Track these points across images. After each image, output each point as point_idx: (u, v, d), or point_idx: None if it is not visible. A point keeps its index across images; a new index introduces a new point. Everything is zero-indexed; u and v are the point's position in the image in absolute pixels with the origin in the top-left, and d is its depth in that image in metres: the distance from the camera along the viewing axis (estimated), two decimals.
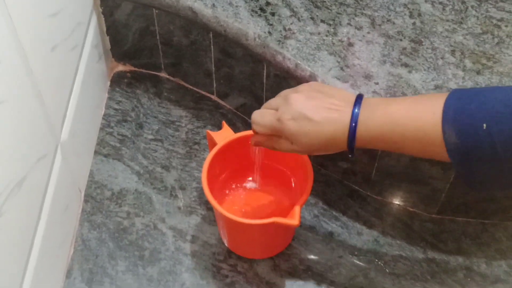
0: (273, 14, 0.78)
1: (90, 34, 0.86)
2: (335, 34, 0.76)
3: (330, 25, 0.77)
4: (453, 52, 0.73)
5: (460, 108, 0.50)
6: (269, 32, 0.76)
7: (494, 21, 0.77)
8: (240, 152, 0.75)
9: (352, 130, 0.55)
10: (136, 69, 0.99)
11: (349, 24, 0.77)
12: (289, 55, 0.73)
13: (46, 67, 0.68)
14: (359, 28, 0.77)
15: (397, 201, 0.80)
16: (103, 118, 0.91)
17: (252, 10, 0.79)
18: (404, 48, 0.74)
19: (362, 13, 0.78)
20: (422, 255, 0.75)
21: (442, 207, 0.77)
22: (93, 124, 0.88)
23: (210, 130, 0.83)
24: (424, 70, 0.72)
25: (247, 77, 0.84)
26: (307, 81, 0.70)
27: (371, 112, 0.55)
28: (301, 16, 0.78)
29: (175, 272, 0.74)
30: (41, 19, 0.67)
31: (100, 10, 0.90)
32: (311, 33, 0.76)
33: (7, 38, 0.57)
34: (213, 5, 0.79)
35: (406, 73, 0.71)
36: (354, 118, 0.55)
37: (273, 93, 0.75)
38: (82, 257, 0.75)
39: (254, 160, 0.74)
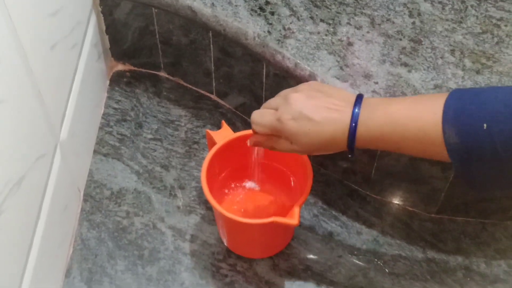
0: (272, 13, 0.78)
1: (90, 33, 0.86)
2: (334, 33, 0.76)
3: (329, 24, 0.77)
4: (452, 52, 0.73)
5: (460, 108, 0.50)
6: (269, 32, 0.76)
7: (494, 21, 0.77)
8: (239, 152, 0.75)
9: (352, 130, 0.55)
10: (135, 68, 0.99)
11: (348, 23, 0.77)
12: (289, 54, 0.73)
13: (46, 66, 0.68)
14: (359, 27, 0.77)
15: (396, 201, 0.80)
16: (102, 118, 0.91)
17: (252, 9, 0.79)
18: (404, 48, 0.74)
19: (361, 13, 0.78)
20: (422, 255, 0.75)
21: (441, 207, 0.77)
22: (92, 123, 0.88)
23: (210, 129, 0.83)
24: (424, 69, 0.72)
25: (246, 77, 0.84)
26: (306, 81, 0.70)
27: (371, 112, 0.55)
28: (301, 16, 0.78)
29: (174, 272, 0.74)
30: (41, 18, 0.67)
31: (100, 9, 0.90)
32: (310, 33, 0.76)
33: (7, 37, 0.57)
34: (213, 4, 0.79)
35: (405, 73, 0.71)
36: (354, 118, 0.55)
37: (272, 92, 0.75)
38: (81, 257, 0.75)
39: (253, 160, 0.74)
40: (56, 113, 0.72)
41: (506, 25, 0.76)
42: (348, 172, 0.81)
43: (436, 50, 0.73)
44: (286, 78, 0.76)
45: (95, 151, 0.87)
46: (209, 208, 0.80)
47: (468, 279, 0.72)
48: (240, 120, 0.91)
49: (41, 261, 0.64)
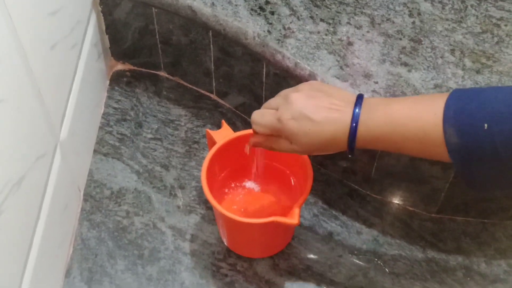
0: (272, 13, 0.78)
1: (90, 32, 0.86)
2: (334, 33, 0.76)
3: (329, 24, 0.77)
4: (452, 51, 0.73)
5: (460, 108, 0.50)
6: (269, 31, 0.76)
7: (494, 20, 0.77)
8: (239, 151, 0.75)
9: (353, 130, 0.55)
10: (135, 68, 0.98)
11: (348, 23, 0.77)
12: (289, 54, 0.73)
13: (46, 66, 0.68)
14: (359, 27, 0.76)
15: (396, 200, 0.79)
16: (102, 117, 0.91)
17: (252, 9, 0.79)
18: (404, 47, 0.74)
19: (361, 12, 0.78)
20: (422, 255, 0.75)
21: (441, 207, 0.77)
22: (92, 123, 0.88)
23: (210, 129, 0.83)
24: (424, 69, 0.71)
25: (246, 76, 0.84)
26: (306, 80, 0.70)
27: (372, 112, 0.54)
28: (301, 15, 0.78)
29: (174, 271, 0.74)
30: (41, 18, 0.67)
31: (100, 8, 0.90)
32: (310, 32, 0.76)
33: (7, 36, 0.57)
34: (213, 3, 0.79)
35: (405, 72, 0.71)
36: (355, 118, 0.55)
37: (272, 92, 0.75)
38: (82, 256, 0.75)
39: (253, 160, 0.74)
40: (56, 112, 0.72)
41: (506, 25, 0.76)
42: (348, 171, 0.81)
43: (436, 49, 0.73)
44: (286, 78, 0.76)
45: (95, 151, 0.87)
46: (209, 207, 0.80)
47: (468, 278, 0.72)
48: (240, 119, 0.91)
49: (41, 261, 0.64)
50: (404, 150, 0.55)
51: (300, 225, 0.72)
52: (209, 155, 0.72)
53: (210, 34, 0.83)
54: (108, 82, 0.96)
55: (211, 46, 0.85)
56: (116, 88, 0.95)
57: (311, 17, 0.78)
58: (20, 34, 0.59)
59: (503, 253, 0.75)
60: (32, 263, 0.62)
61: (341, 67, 0.72)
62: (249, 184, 0.79)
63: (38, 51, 0.65)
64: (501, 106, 0.48)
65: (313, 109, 0.56)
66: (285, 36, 0.75)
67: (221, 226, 0.74)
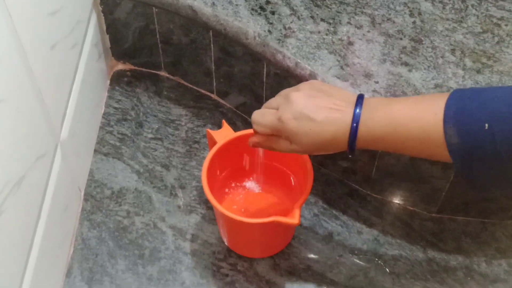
0: (273, 12, 0.78)
1: (90, 32, 0.86)
2: (335, 33, 0.76)
3: (330, 24, 0.77)
4: (453, 51, 0.73)
5: (461, 108, 0.50)
6: (269, 31, 0.76)
7: (494, 20, 0.76)
8: (240, 151, 0.75)
9: (353, 130, 0.55)
10: (136, 67, 0.98)
11: (349, 23, 0.77)
12: (289, 53, 0.73)
13: (46, 66, 0.68)
14: (359, 27, 0.76)
15: (397, 200, 0.79)
16: (103, 117, 0.91)
17: (252, 9, 0.79)
18: (404, 47, 0.74)
19: (362, 12, 0.78)
20: (422, 254, 0.75)
21: (442, 206, 0.77)
22: (93, 123, 0.88)
23: (210, 129, 0.83)
24: (424, 69, 0.71)
25: (247, 76, 0.84)
26: (307, 80, 0.70)
27: (372, 112, 0.54)
28: (301, 15, 0.78)
29: (175, 271, 0.74)
30: (41, 18, 0.67)
31: (100, 8, 0.90)
32: (311, 32, 0.76)
33: (7, 37, 0.56)
34: (213, 3, 0.79)
35: (406, 72, 0.71)
36: (355, 118, 0.55)
37: (273, 92, 0.75)
38: (82, 256, 0.75)
39: (254, 160, 0.74)
40: (57, 112, 0.72)
41: (506, 25, 0.76)
42: (349, 171, 0.80)
43: (437, 49, 0.73)
44: (287, 78, 0.76)
45: (95, 151, 0.87)
46: (209, 207, 0.80)
47: (469, 278, 0.72)
48: (241, 119, 0.91)
49: (42, 261, 0.64)
50: (404, 150, 0.55)
51: (300, 225, 0.72)
52: (209, 155, 0.72)
53: (211, 34, 0.83)
54: (108, 82, 0.96)
55: (212, 46, 0.85)
56: (117, 88, 0.95)
57: (312, 17, 0.78)
58: (20, 34, 0.59)
59: (503, 253, 0.75)
60: (32, 263, 0.62)
61: (341, 67, 0.72)
62: (250, 184, 0.79)
63: (38, 51, 0.65)
64: (501, 106, 0.47)
65: (313, 109, 0.56)
66: (285, 36, 0.75)
67: (222, 226, 0.74)
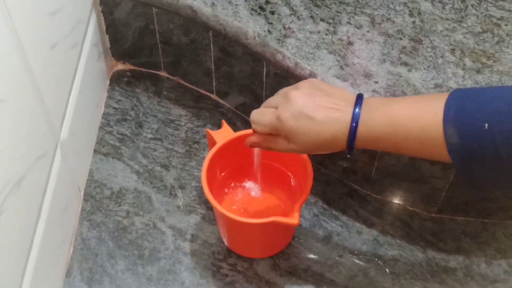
0: (272, 12, 0.78)
1: (90, 32, 0.86)
2: (334, 33, 0.76)
3: (329, 23, 0.77)
4: (453, 51, 0.73)
5: (461, 108, 0.49)
6: (269, 31, 0.76)
7: (494, 20, 0.76)
8: (239, 151, 0.75)
9: (353, 130, 0.54)
10: (135, 68, 0.98)
11: (348, 22, 0.77)
12: (289, 53, 0.73)
13: (46, 66, 0.68)
14: (359, 27, 0.76)
15: (397, 200, 0.79)
16: (102, 117, 0.91)
17: (252, 9, 0.79)
18: (404, 47, 0.74)
19: (362, 12, 0.78)
20: (422, 254, 0.75)
21: (442, 206, 0.77)
22: (92, 123, 0.88)
23: (210, 129, 0.83)
24: (424, 69, 0.71)
25: (246, 76, 0.84)
26: None
27: (372, 112, 0.54)
28: (301, 15, 0.78)
29: (174, 271, 0.74)
30: (41, 18, 0.67)
31: (100, 8, 0.90)
32: (310, 32, 0.76)
33: (7, 37, 0.56)
34: (213, 3, 0.79)
35: (406, 72, 0.71)
36: (355, 118, 0.54)
37: (272, 92, 0.75)
38: (82, 256, 0.75)
39: (253, 160, 0.74)
40: (56, 112, 0.72)
41: (506, 25, 0.76)
42: (348, 171, 0.80)
43: (437, 49, 0.73)
44: (287, 78, 0.76)
45: (95, 151, 0.87)
46: (209, 207, 0.80)
47: (469, 278, 0.72)
48: (241, 119, 0.91)
49: (42, 261, 0.64)
50: (404, 150, 0.55)
51: (300, 225, 0.72)
52: (209, 155, 0.72)
53: (211, 34, 0.83)
54: (108, 82, 0.96)
55: (211, 46, 0.85)
56: (117, 88, 0.95)
57: (311, 17, 0.78)
58: (20, 34, 0.59)
59: (503, 253, 0.75)
60: (32, 263, 0.62)
61: (341, 67, 0.72)
62: (249, 184, 0.79)
63: (38, 51, 0.65)
64: (501, 106, 0.47)
65: (313, 108, 0.56)
66: (285, 36, 0.75)
67: (221, 226, 0.74)
